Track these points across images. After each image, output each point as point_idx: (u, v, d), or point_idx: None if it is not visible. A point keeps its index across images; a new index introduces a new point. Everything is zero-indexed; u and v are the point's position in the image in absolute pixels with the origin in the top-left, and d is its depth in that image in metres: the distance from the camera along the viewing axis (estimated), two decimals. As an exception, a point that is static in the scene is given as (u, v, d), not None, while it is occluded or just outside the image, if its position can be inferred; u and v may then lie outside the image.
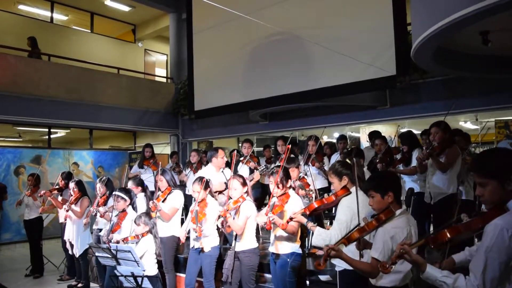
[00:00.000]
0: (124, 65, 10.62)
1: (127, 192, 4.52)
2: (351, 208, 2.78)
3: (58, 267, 6.57)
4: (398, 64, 5.78)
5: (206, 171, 4.84)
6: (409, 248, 1.82)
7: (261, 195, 6.44)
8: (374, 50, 6.08)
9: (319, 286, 4.07)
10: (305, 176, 4.71)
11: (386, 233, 2.21)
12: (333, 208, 3.53)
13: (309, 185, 4.45)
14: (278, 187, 3.40)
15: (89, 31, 11.93)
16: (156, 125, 10.34)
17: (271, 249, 3.52)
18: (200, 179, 4.09)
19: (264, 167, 5.31)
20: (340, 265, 2.92)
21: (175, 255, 4.62)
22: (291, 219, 3.06)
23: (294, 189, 3.76)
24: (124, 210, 4.42)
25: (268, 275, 4.27)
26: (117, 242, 3.99)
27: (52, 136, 10.13)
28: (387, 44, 5.89)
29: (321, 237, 2.91)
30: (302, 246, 3.63)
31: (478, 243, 1.72)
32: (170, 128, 10.65)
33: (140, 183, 4.95)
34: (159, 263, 4.20)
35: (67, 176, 6.18)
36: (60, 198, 5.86)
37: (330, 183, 3.23)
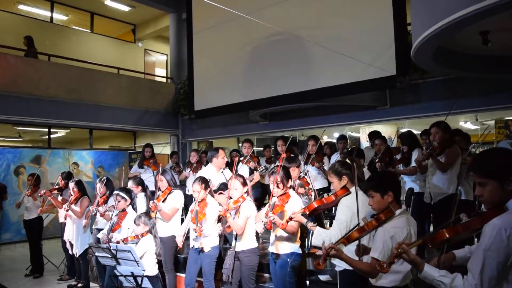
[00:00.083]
0: (124, 65, 10.62)
1: (128, 191, 4.53)
2: (351, 208, 2.78)
3: (58, 267, 6.57)
4: (398, 64, 5.78)
5: (206, 171, 4.84)
6: (407, 247, 1.82)
7: (261, 195, 6.45)
8: (374, 50, 6.08)
9: (319, 286, 4.08)
10: (305, 176, 4.71)
11: (386, 233, 2.21)
12: (333, 208, 3.53)
13: (309, 183, 4.46)
14: (278, 187, 3.40)
15: (89, 31, 11.93)
16: (156, 125, 10.34)
17: (271, 249, 3.52)
18: (200, 179, 4.09)
19: (263, 168, 5.31)
20: (340, 265, 2.92)
21: (175, 255, 4.62)
22: (290, 219, 3.06)
23: (294, 188, 3.76)
24: (124, 210, 4.42)
25: (268, 275, 4.27)
26: (117, 242, 3.99)
27: (52, 136, 10.14)
28: (387, 44, 5.89)
29: (321, 237, 2.91)
30: (302, 246, 3.63)
31: (478, 242, 1.72)
32: (170, 128, 10.66)
33: (140, 183, 4.96)
34: (159, 263, 4.20)
35: (67, 176, 6.18)
36: (60, 198, 5.86)
37: (330, 183, 3.23)
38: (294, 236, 3.38)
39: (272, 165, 5.40)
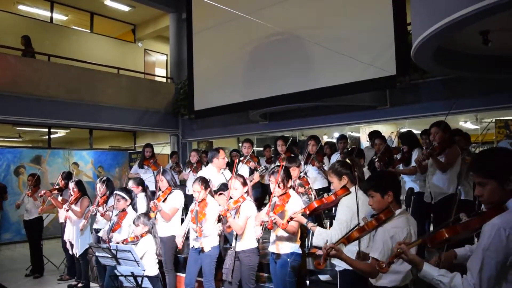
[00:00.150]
0: (124, 65, 10.62)
1: (128, 192, 4.53)
2: (351, 208, 2.78)
3: (58, 267, 6.57)
4: (398, 64, 5.78)
5: (206, 172, 4.84)
6: (407, 247, 1.82)
7: (261, 195, 6.45)
8: (374, 50, 6.08)
9: (319, 286, 4.08)
10: (305, 176, 4.71)
11: (385, 232, 2.22)
12: (333, 208, 3.53)
13: (309, 183, 4.46)
14: (279, 187, 3.40)
15: (89, 31, 11.93)
16: (156, 125, 10.34)
17: (271, 248, 3.52)
18: (201, 179, 4.09)
19: (263, 168, 5.31)
20: (340, 265, 2.92)
21: (175, 255, 4.62)
22: (291, 219, 3.06)
23: (294, 188, 3.77)
24: (124, 210, 4.42)
25: (268, 275, 4.26)
26: (117, 243, 3.99)
27: (52, 136, 10.14)
28: (387, 44, 5.89)
29: (321, 237, 2.91)
30: (302, 246, 3.63)
31: (478, 242, 1.72)
32: (170, 128, 10.66)
33: (141, 183, 4.96)
34: (160, 263, 4.20)
35: (67, 176, 6.18)
36: (60, 198, 5.86)
37: (330, 183, 3.23)
38: (295, 236, 3.38)
39: (272, 165, 5.40)
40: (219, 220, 3.87)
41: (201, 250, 3.96)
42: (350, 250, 2.51)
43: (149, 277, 3.61)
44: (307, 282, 4.05)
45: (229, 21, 8.08)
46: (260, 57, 7.79)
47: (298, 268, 3.48)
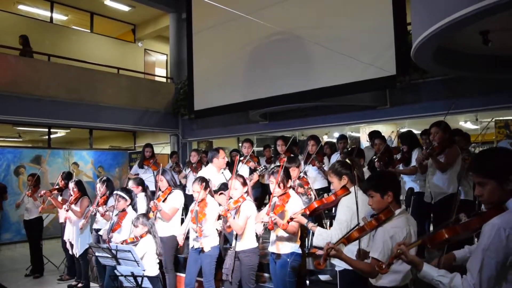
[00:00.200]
0: (124, 65, 10.62)
1: (128, 192, 4.53)
2: (351, 208, 2.78)
3: (58, 267, 6.57)
4: (398, 64, 5.78)
5: (207, 172, 4.84)
6: (406, 248, 1.82)
7: (261, 195, 6.45)
8: (374, 50, 6.08)
9: (319, 286, 4.08)
10: (305, 176, 4.71)
11: (385, 232, 2.21)
12: (333, 208, 3.53)
13: (308, 183, 4.46)
14: (279, 187, 3.40)
15: (89, 31, 11.93)
16: (156, 125, 10.34)
17: (271, 249, 3.52)
18: (200, 179, 4.09)
19: (263, 167, 5.30)
20: (340, 265, 2.92)
21: (175, 255, 4.62)
22: (291, 219, 3.06)
23: (293, 188, 3.77)
24: (124, 210, 4.42)
25: (268, 275, 4.27)
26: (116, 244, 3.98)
27: (52, 136, 10.14)
28: (387, 44, 5.89)
29: (321, 237, 2.91)
30: (302, 246, 3.63)
31: (478, 242, 1.71)
32: (170, 128, 10.66)
33: (141, 183, 4.96)
34: (160, 263, 4.20)
35: (67, 176, 6.18)
36: (60, 198, 5.86)
37: (329, 183, 3.23)
38: (295, 236, 3.38)
39: (272, 165, 5.40)
40: (219, 218, 3.86)
41: (201, 250, 3.97)
42: (350, 250, 2.51)
43: (149, 277, 3.61)
44: (307, 282, 4.05)
45: (229, 21, 8.08)
46: (260, 57, 7.79)
47: (298, 268, 3.48)
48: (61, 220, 6.01)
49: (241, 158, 5.92)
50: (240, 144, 9.42)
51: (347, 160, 3.39)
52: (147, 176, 6.62)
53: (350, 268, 2.40)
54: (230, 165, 5.23)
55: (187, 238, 4.16)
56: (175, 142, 10.78)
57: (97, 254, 3.83)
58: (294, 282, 3.41)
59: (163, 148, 10.09)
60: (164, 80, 11.80)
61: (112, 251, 3.56)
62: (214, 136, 10.36)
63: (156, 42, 13.59)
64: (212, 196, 4.17)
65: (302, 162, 5.06)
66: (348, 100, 7.10)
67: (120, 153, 10.63)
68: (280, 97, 7.37)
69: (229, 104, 8.34)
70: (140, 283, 3.52)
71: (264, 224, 3.23)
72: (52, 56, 9.03)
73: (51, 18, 11.13)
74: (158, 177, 4.54)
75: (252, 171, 5.68)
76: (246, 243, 3.72)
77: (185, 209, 5.24)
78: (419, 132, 5.70)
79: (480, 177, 1.73)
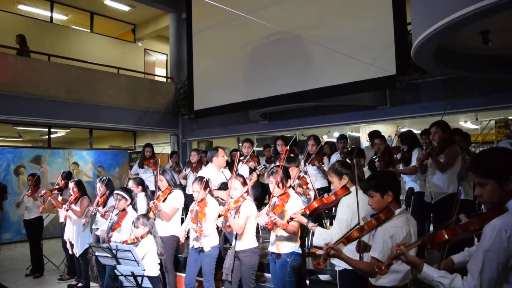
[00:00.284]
0: (124, 65, 10.62)
1: (128, 191, 4.53)
2: (351, 208, 2.78)
3: (58, 266, 6.57)
4: (398, 63, 5.78)
5: (207, 171, 4.84)
6: (406, 249, 1.81)
7: (261, 194, 6.44)
8: (374, 50, 6.08)
9: (319, 286, 4.08)
10: (305, 175, 4.71)
11: (385, 232, 2.22)
12: (333, 208, 3.53)
13: (308, 183, 4.45)
14: (278, 187, 3.40)
15: (89, 31, 11.93)
16: (156, 125, 10.35)
17: (271, 248, 3.52)
18: (200, 178, 4.09)
19: (262, 167, 5.30)
20: (340, 264, 2.92)
21: (175, 254, 4.62)
22: (291, 219, 3.06)
23: (293, 188, 3.77)
24: (124, 210, 4.42)
25: (268, 275, 4.27)
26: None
27: (52, 136, 10.14)
28: (387, 44, 5.89)
29: (322, 237, 2.91)
30: (302, 245, 3.63)
31: (478, 243, 1.71)
32: (170, 128, 10.66)
33: (141, 183, 4.96)
34: (160, 263, 4.19)
35: (67, 176, 6.19)
36: (60, 198, 5.86)
37: (330, 183, 3.24)
38: (295, 236, 3.38)
39: (272, 165, 5.40)
40: (218, 217, 3.85)
41: (201, 250, 3.97)
42: (350, 250, 2.51)
43: (149, 277, 3.61)
44: (307, 282, 4.05)
45: (229, 21, 8.08)
46: (260, 57, 7.79)
47: (298, 268, 3.48)
48: (61, 220, 6.01)
49: (241, 158, 5.92)
50: (240, 144, 9.42)
51: (347, 160, 3.40)
52: (147, 176, 6.62)
53: (350, 268, 2.40)
54: (230, 165, 5.23)
55: (187, 238, 4.16)
56: (175, 142, 10.78)
57: (97, 253, 3.83)
58: (294, 282, 3.41)
59: (163, 148, 10.08)
60: (164, 80, 11.80)
61: (112, 250, 3.56)
62: (214, 136, 10.36)
63: (156, 42, 13.58)
64: (212, 196, 4.17)
65: (302, 162, 5.06)
66: (348, 100, 7.10)
67: (120, 153, 10.63)
68: (280, 97, 7.37)
69: (229, 104, 8.34)
70: (140, 283, 3.52)
71: (265, 223, 3.22)
72: (52, 56, 9.03)
73: (51, 18, 11.13)
74: (158, 177, 4.54)
75: (252, 170, 5.68)
76: (246, 242, 3.72)
77: (185, 209, 5.24)
78: (419, 132, 5.70)
79: (480, 177, 1.72)
